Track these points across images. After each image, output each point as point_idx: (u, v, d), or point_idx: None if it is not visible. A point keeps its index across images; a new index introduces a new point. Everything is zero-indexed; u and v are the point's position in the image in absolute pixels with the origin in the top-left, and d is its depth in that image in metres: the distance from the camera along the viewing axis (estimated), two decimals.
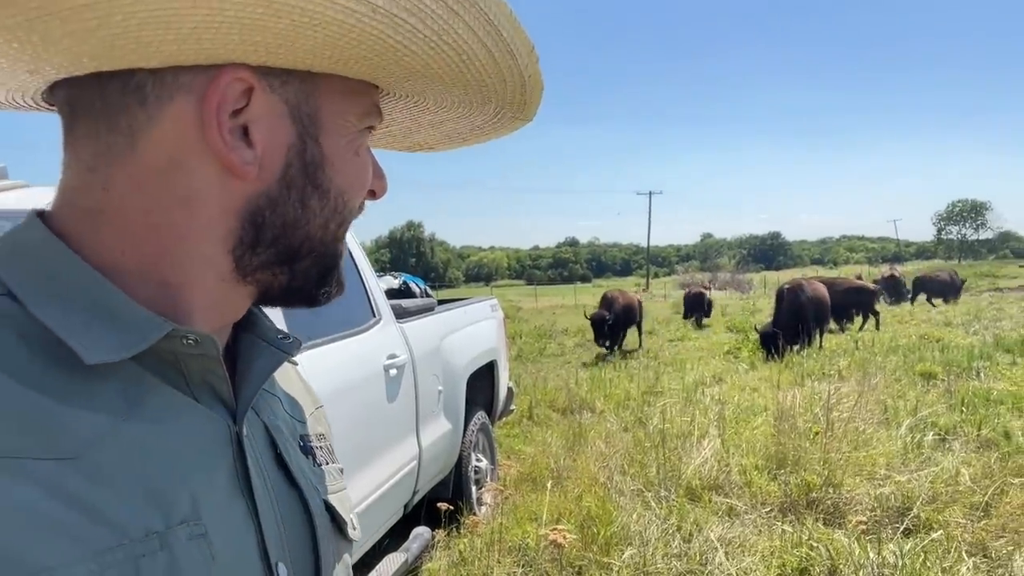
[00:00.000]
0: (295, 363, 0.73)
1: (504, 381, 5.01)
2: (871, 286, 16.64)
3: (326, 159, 0.55)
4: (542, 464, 5.25)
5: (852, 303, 15.61)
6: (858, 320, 16.17)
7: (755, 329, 12.23)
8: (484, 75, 0.56)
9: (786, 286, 12.52)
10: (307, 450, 0.64)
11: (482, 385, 4.59)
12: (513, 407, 5.51)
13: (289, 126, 0.53)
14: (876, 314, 15.72)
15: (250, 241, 0.54)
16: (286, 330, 0.63)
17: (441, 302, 4.62)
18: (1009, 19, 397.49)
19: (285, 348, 0.61)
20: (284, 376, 0.69)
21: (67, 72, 0.49)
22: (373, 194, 0.62)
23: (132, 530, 0.43)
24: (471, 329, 4.40)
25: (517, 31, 0.53)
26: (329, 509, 0.62)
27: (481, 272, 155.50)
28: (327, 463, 0.67)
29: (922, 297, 22.79)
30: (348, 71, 0.53)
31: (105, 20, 0.43)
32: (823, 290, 12.89)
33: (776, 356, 10.52)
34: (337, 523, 0.62)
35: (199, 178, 0.51)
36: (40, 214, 0.52)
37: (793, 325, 11.39)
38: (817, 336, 12.36)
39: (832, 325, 15.30)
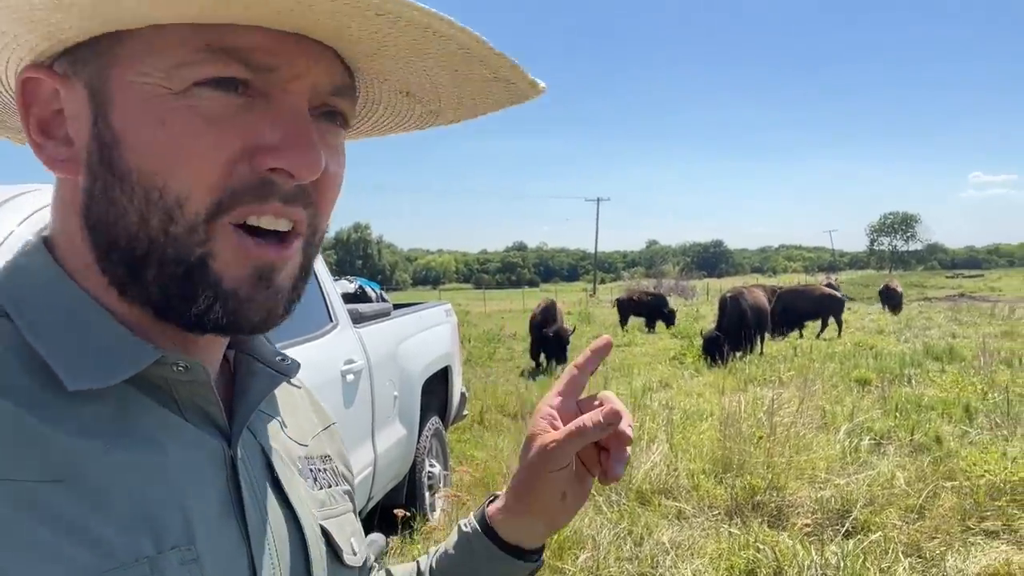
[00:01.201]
0: (297, 386, 0.70)
1: (458, 386, 5.02)
2: (840, 294, 17.26)
3: (117, 137, 0.47)
4: (494, 469, 5.26)
5: (824, 309, 16.31)
6: (823, 324, 16.80)
7: (700, 335, 12.53)
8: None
9: (728, 294, 12.90)
10: (307, 473, 0.62)
11: (436, 390, 4.58)
12: (466, 412, 5.52)
13: (88, 109, 0.48)
14: (840, 321, 16.40)
15: (96, 248, 0.49)
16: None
17: (396, 306, 4.59)
18: (937, 45, 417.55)
19: (283, 370, 0.60)
20: (287, 396, 0.67)
21: None
22: (284, 172, 0.47)
23: (122, 555, 0.43)
24: (426, 334, 4.39)
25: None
26: (325, 534, 0.60)
27: (429, 275, 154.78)
28: (330, 486, 0.65)
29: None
30: (145, 15, 0.44)
31: None
32: (763, 297, 13.37)
33: (720, 362, 10.81)
34: (333, 548, 0.61)
35: (62, 187, 0.51)
36: (47, 238, 0.52)
37: (736, 332, 11.73)
38: (758, 342, 12.78)
39: (812, 324, 16.26)
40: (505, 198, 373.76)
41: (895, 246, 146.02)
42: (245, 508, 0.51)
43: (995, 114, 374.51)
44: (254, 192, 0.46)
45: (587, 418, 0.61)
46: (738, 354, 11.41)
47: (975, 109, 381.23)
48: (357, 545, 0.65)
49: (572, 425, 0.61)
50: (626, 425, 0.61)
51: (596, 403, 0.63)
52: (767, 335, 13.60)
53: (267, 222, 0.48)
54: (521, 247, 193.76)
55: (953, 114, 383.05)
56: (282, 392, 0.66)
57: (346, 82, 0.51)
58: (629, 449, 0.63)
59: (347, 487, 0.69)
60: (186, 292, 0.47)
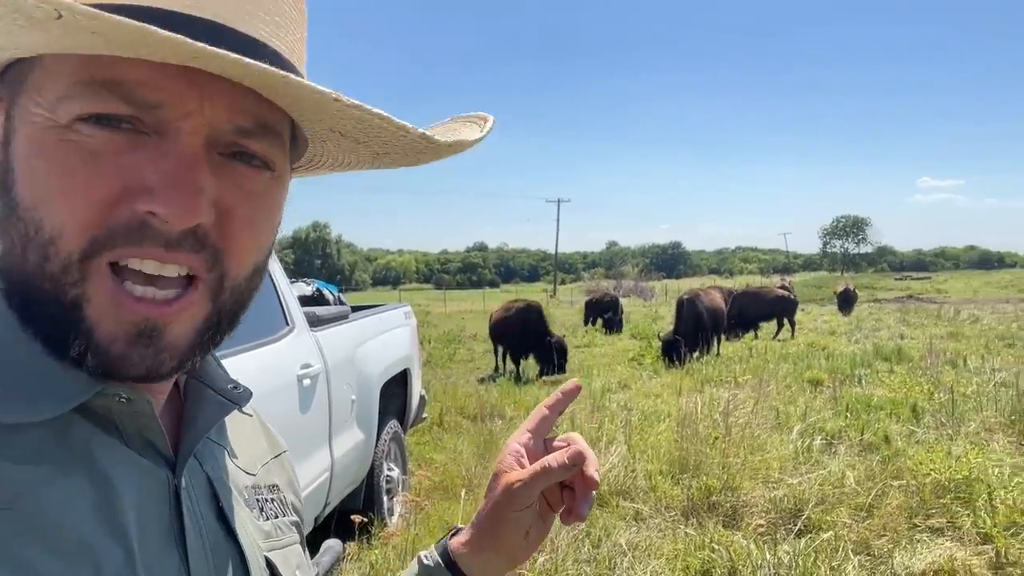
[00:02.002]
0: (248, 414, 0.69)
1: (417, 389, 4.99)
2: (793, 296, 17.73)
3: (13, 168, 0.45)
4: (454, 472, 5.24)
5: (778, 310, 16.78)
6: (779, 325, 17.21)
7: (658, 337, 12.70)
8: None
9: (685, 296, 13.14)
10: (253, 503, 0.62)
11: (395, 393, 4.54)
12: (425, 415, 5.48)
13: (1, 132, 0.47)
14: (793, 323, 16.81)
15: (3, 279, 0.48)
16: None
17: (354, 309, 4.54)
18: (891, 51, 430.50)
19: (234, 398, 0.59)
20: (237, 424, 0.66)
21: None
22: (152, 214, 0.43)
23: None
24: (385, 337, 4.35)
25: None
26: (270, 565, 0.59)
27: (389, 276, 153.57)
28: (276, 516, 0.64)
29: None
30: (26, 44, 0.42)
31: None
32: (719, 299, 13.70)
33: (678, 363, 10.97)
34: None
35: None
36: None
37: (693, 334, 11.94)
38: (715, 343, 13.03)
39: (767, 325, 16.76)
40: (466, 198, 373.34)
41: (847, 249, 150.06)
42: (187, 539, 0.51)
43: (944, 120, 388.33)
44: (132, 235, 0.44)
45: (552, 459, 0.63)
46: (695, 355, 11.62)
47: (925, 115, 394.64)
48: None
49: (537, 465, 0.63)
50: (592, 469, 0.63)
51: (563, 444, 0.65)
52: (723, 336, 13.91)
53: (151, 267, 0.45)
54: (482, 247, 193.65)
55: (904, 120, 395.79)
56: (232, 420, 0.64)
57: (260, 121, 0.47)
58: (594, 493, 0.64)
59: (295, 518, 0.68)
60: (61, 334, 0.45)
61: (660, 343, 12.08)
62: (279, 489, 0.67)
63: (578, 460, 0.62)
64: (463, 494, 4.39)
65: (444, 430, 7.09)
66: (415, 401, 4.92)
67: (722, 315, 13.46)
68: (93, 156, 0.43)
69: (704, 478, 4.71)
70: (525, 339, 11.19)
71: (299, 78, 0.43)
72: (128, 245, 0.44)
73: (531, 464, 0.65)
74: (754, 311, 16.63)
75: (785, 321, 16.79)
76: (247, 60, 0.40)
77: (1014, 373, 7.93)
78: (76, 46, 0.41)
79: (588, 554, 3.73)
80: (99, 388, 0.47)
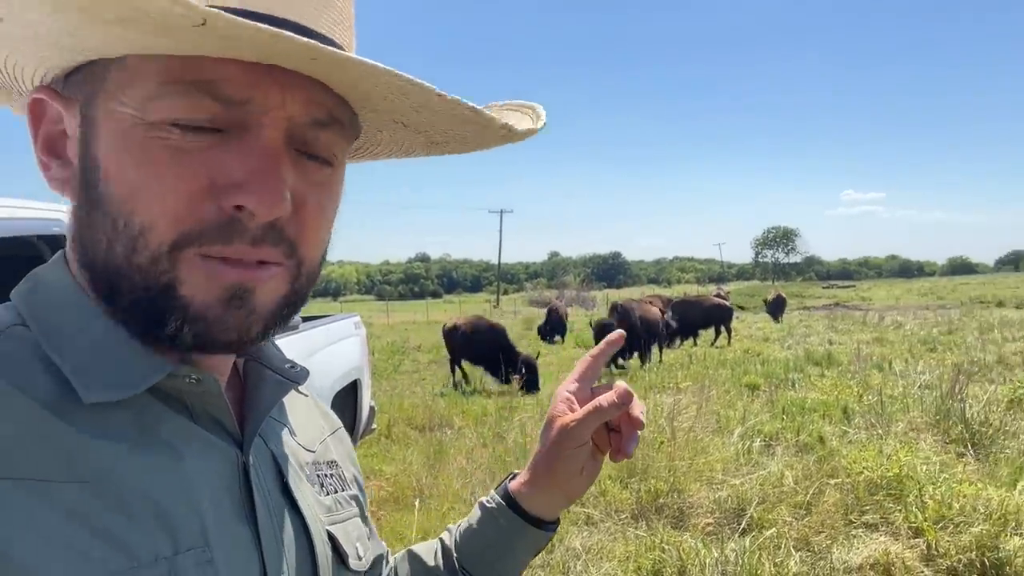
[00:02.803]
0: (304, 394, 0.72)
1: (367, 400, 4.94)
2: (729, 304, 18.33)
3: (98, 164, 0.47)
4: (405, 483, 5.22)
5: (715, 318, 17.35)
6: (716, 333, 17.70)
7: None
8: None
9: (619, 304, 13.85)
10: (314, 479, 0.64)
11: (345, 404, 4.50)
12: (375, 426, 5.44)
13: (79, 132, 0.49)
14: (730, 330, 17.35)
15: (87, 270, 0.50)
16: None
17: (304, 319, 4.48)
18: (815, 67, 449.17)
19: (292, 377, 0.62)
20: (295, 402, 0.69)
21: None
22: (240, 208, 0.46)
23: (143, 554, 0.44)
24: (335, 347, 4.31)
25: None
26: (332, 539, 0.62)
27: (329, 287, 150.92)
28: (336, 491, 0.67)
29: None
30: (109, 47, 0.44)
31: None
32: (654, 310, 14.33)
33: (615, 368, 11.30)
34: (339, 553, 0.63)
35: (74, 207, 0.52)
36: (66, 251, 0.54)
37: (627, 340, 12.31)
38: (656, 350, 13.50)
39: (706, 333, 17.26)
40: (407, 208, 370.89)
41: (777, 259, 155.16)
42: (257, 513, 0.53)
43: (866, 135, 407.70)
44: (220, 231, 0.46)
45: (603, 398, 0.68)
46: (625, 360, 11.99)
47: (848, 131, 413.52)
48: (362, 550, 0.67)
49: (590, 405, 0.68)
50: (638, 411, 0.68)
51: (607, 389, 0.70)
52: (664, 344, 14.31)
53: (235, 253, 0.48)
54: (424, 258, 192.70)
55: (828, 135, 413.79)
56: (290, 398, 0.68)
57: (332, 114, 0.50)
58: (639, 433, 0.69)
59: (354, 492, 0.70)
60: (155, 316, 0.48)
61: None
62: (337, 465, 0.70)
63: (626, 399, 0.67)
64: (416, 503, 4.37)
65: (392, 441, 7.02)
66: (365, 412, 4.88)
67: (655, 323, 13.94)
68: (181, 153, 0.45)
69: (652, 481, 4.82)
70: (491, 353, 11.10)
71: (412, 77, 0.46)
72: (217, 242, 0.47)
73: (581, 408, 0.69)
74: (692, 319, 17.08)
75: (722, 328, 17.30)
76: (370, 62, 0.44)
77: (937, 376, 8.35)
78: (181, 48, 0.43)
79: (542, 559, 3.77)
80: (171, 369, 0.49)
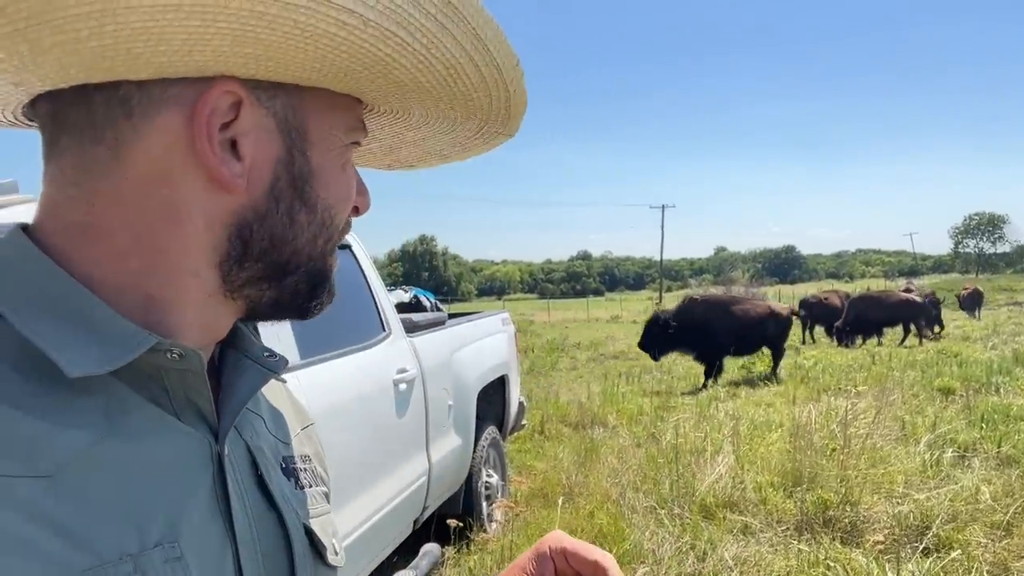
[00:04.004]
0: (282, 381, 0.70)
1: (515, 396, 4.99)
2: (920, 300, 16.79)
3: (314, 173, 0.55)
4: (554, 480, 5.20)
5: (902, 315, 16.08)
6: (905, 331, 16.43)
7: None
8: (470, 88, 0.56)
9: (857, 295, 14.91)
10: (289, 472, 0.63)
11: (493, 399, 4.57)
12: (525, 422, 5.48)
13: (277, 139, 0.53)
14: (920, 327, 15.95)
15: (237, 256, 0.53)
16: (273, 347, 0.63)
17: (452, 316, 4.61)
18: (1017, 26, 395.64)
19: (270, 366, 0.60)
20: (271, 394, 0.68)
21: (52, 84, 0.47)
22: (356, 210, 0.61)
23: (106, 552, 0.43)
24: (482, 343, 4.38)
25: (503, 45, 0.53)
26: (309, 533, 0.60)
27: (494, 286, 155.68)
28: (310, 486, 0.65)
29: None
30: (336, 84, 0.53)
31: (97, 31, 0.42)
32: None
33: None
34: (316, 548, 0.61)
35: (185, 191, 0.50)
36: (24, 228, 0.51)
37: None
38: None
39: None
40: (568, 207, 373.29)
41: (981, 248, 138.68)
42: (232, 507, 0.51)
43: None
44: (348, 224, 0.61)
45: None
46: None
47: None
48: (338, 545, 0.65)
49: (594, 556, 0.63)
50: None
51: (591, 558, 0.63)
52: (842, 342, 13.47)
53: None
54: (586, 256, 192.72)
55: None
56: (266, 389, 0.66)
57: None
58: None
59: (325, 488, 0.69)
60: (316, 292, 0.59)
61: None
62: (310, 460, 0.68)
63: None
64: (561, 502, 4.34)
65: (545, 437, 7.06)
66: (514, 408, 4.93)
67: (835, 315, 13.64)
68: (352, 168, 0.60)
69: (820, 491, 4.44)
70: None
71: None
72: (346, 231, 0.61)
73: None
74: (874, 316, 15.76)
75: (911, 326, 15.80)
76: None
77: None
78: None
79: (692, 567, 3.59)
80: (156, 340, 0.48)
